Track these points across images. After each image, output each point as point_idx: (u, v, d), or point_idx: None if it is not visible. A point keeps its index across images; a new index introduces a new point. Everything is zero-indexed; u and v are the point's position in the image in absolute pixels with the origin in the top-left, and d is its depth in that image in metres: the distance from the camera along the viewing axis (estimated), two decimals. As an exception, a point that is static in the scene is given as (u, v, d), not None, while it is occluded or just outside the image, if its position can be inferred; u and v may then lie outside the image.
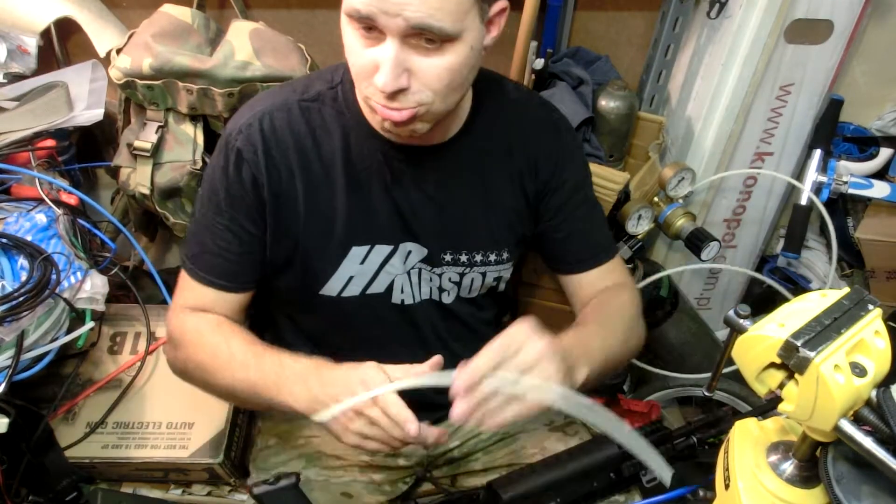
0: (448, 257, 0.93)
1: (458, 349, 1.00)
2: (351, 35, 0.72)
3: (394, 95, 0.71)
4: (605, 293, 0.97)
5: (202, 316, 0.88)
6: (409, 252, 0.91)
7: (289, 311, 1.00)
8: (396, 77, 0.69)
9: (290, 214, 0.86)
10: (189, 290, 0.90)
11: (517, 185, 0.94)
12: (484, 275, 0.96)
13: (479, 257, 0.94)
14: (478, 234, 0.94)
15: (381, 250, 0.89)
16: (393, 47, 0.68)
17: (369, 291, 0.91)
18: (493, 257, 0.95)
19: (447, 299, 0.97)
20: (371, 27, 0.69)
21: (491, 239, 0.94)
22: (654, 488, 0.90)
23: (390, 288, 0.92)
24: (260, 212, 0.86)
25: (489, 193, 0.92)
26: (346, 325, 0.94)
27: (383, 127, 0.78)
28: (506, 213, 0.94)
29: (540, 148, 0.93)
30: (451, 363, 1.00)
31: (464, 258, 0.93)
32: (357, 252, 0.89)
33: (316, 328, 0.98)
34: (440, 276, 0.94)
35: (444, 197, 0.90)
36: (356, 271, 0.90)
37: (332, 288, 0.91)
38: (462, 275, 0.95)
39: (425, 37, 0.68)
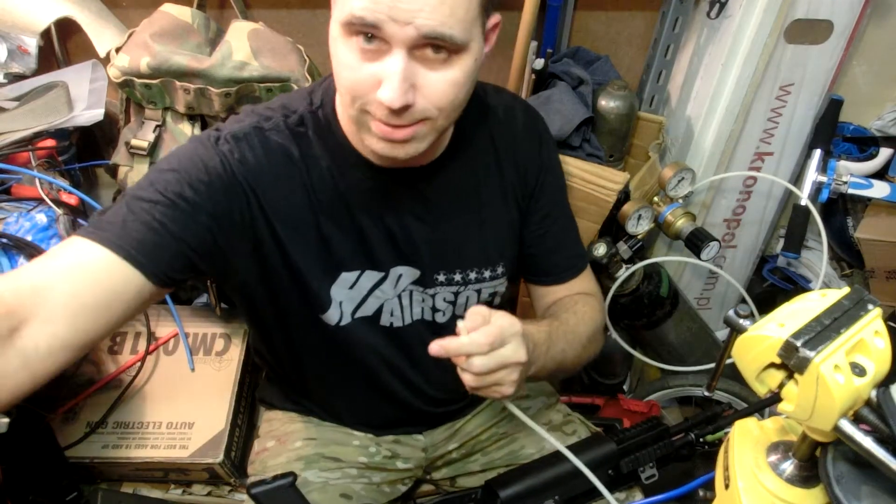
0: (441, 277, 0.90)
1: (451, 367, 0.99)
2: (345, 48, 0.67)
3: (398, 112, 0.67)
4: (575, 297, 0.98)
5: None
6: (400, 276, 0.88)
7: (290, 338, 0.95)
8: (405, 92, 0.65)
9: (276, 235, 0.80)
10: (58, 250, 0.67)
11: (510, 197, 0.91)
12: (479, 292, 0.94)
13: (473, 275, 0.92)
14: (471, 251, 0.91)
15: (372, 276, 0.87)
16: (401, 59, 0.64)
17: (358, 315, 0.89)
18: (487, 273, 0.93)
19: (441, 319, 0.94)
20: (373, 37, 0.64)
21: (484, 255, 0.92)
22: (653, 485, 0.90)
23: (379, 311, 0.90)
24: (229, 214, 0.75)
25: (482, 209, 0.90)
26: (340, 349, 0.92)
27: (374, 150, 0.73)
28: (499, 227, 0.92)
29: (528, 156, 0.92)
30: (444, 380, 0.99)
31: (458, 277, 0.91)
32: (346, 277, 0.85)
33: (309, 356, 0.95)
34: (433, 296, 0.92)
35: (435, 218, 0.87)
36: (345, 296, 0.87)
37: (331, 317, 0.88)
38: (457, 294, 0.93)
39: (433, 46, 0.65)
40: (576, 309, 0.94)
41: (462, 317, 0.95)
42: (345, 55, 0.67)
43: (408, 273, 0.89)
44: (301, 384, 1.02)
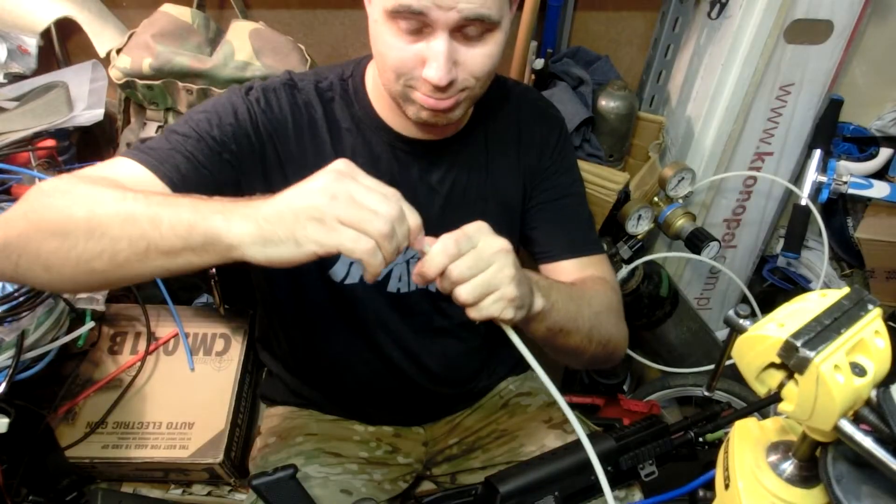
0: None
1: (452, 343, 1.00)
2: (388, 31, 0.72)
3: (444, 87, 0.73)
4: (585, 279, 0.94)
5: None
6: None
7: (301, 301, 0.98)
8: (449, 70, 0.71)
9: (289, 184, 0.82)
10: (108, 166, 0.73)
11: (520, 176, 0.95)
12: None
13: None
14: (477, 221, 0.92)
15: None
16: (444, 41, 0.70)
17: None
18: None
19: None
20: (417, 22, 0.70)
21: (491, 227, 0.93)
22: (653, 484, 0.90)
23: (388, 277, 0.93)
24: (250, 157, 0.81)
25: (494, 185, 0.93)
26: (346, 312, 0.94)
27: (419, 118, 0.79)
28: (508, 203, 0.95)
29: (544, 138, 0.95)
30: (443, 356, 1.00)
31: None
32: None
33: (317, 318, 0.98)
34: None
35: (447, 189, 0.91)
36: None
37: (337, 273, 0.91)
38: None
39: (470, 27, 0.71)
40: (586, 285, 0.91)
41: None
42: (389, 37, 0.73)
43: None
44: (306, 364, 1.03)
